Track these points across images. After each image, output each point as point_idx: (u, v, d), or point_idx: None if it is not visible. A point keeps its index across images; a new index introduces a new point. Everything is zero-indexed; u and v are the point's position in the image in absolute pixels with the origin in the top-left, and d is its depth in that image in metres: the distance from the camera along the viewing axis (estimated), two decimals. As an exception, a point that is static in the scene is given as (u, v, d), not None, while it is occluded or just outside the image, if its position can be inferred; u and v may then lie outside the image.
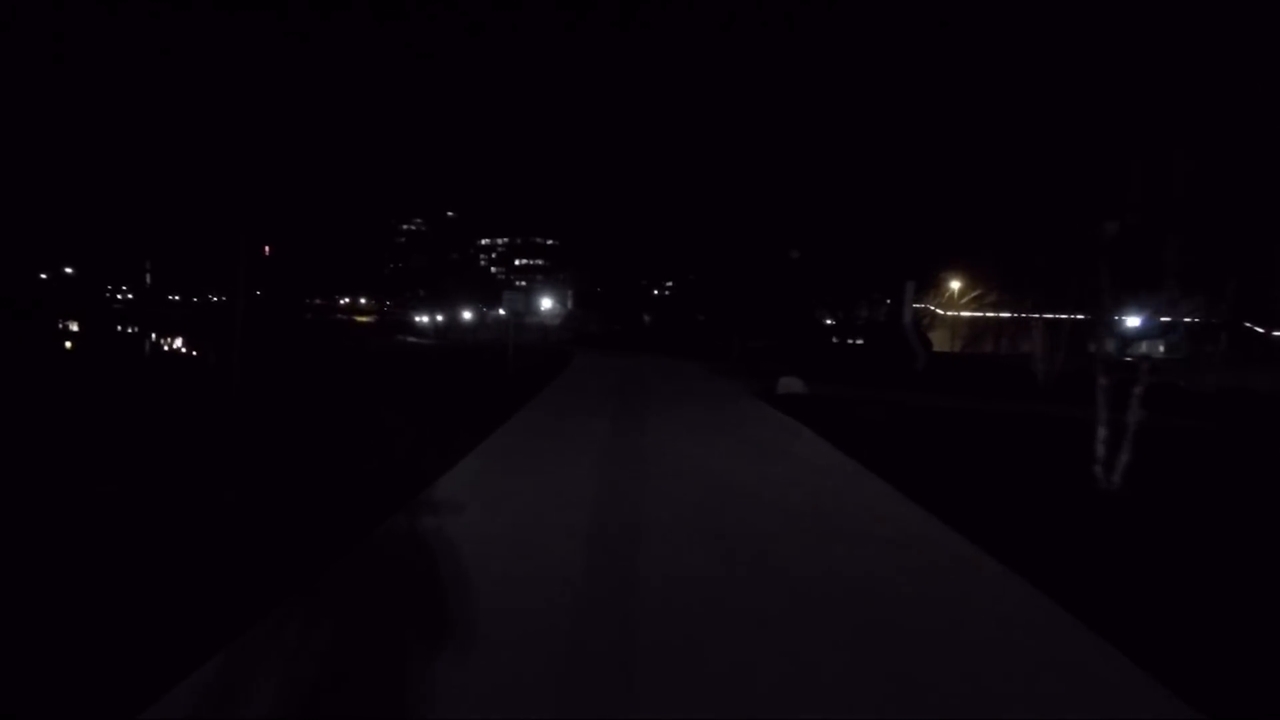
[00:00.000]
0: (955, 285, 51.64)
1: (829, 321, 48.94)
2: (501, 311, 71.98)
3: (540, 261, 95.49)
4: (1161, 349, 56.09)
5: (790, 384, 14.70)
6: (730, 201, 35.42)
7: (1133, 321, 40.00)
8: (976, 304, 50.10)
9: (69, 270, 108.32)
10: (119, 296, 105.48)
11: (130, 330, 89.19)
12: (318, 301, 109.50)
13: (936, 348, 47.57)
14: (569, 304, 66.98)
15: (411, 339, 70.44)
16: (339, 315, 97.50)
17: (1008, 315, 49.16)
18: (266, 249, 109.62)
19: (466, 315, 70.73)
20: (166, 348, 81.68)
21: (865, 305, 38.17)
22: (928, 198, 20.89)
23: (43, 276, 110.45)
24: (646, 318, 59.23)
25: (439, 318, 76.62)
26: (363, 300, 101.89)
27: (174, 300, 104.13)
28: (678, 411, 11.33)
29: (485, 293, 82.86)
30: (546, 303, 62.60)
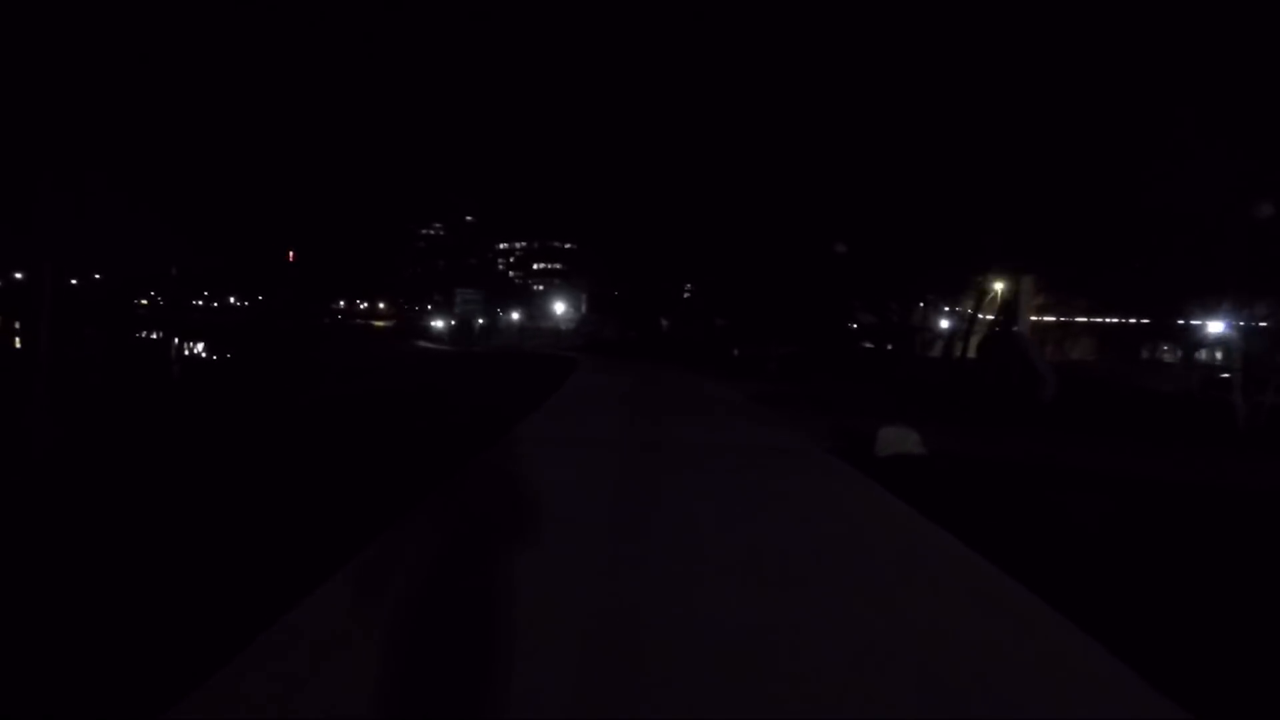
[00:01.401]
0: (998, 287, 44.97)
1: (855, 325, 42.43)
2: (515, 315, 66.18)
3: (558, 265, 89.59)
4: (1219, 355, 48.62)
5: (898, 439, 8.44)
6: (760, 189, 29.12)
7: (1215, 326, 31.66)
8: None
9: (98, 276, 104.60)
10: (142, 301, 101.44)
11: (155, 335, 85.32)
12: (341, 305, 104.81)
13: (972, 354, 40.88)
14: (582, 307, 60.93)
15: (424, 344, 65.36)
16: (358, 320, 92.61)
17: (1051, 319, 42.57)
18: (291, 254, 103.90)
19: (480, 320, 65.38)
20: (188, 352, 77.33)
21: (900, 307, 31.69)
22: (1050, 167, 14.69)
23: (73, 282, 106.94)
24: (665, 322, 53.04)
25: (453, 322, 71.53)
26: (381, 305, 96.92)
27: (196, 304, 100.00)
28: (729, 531, 5.18)
29: (503, 296, 77.44)
30: (559, 306, 56.90)
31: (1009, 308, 13.95)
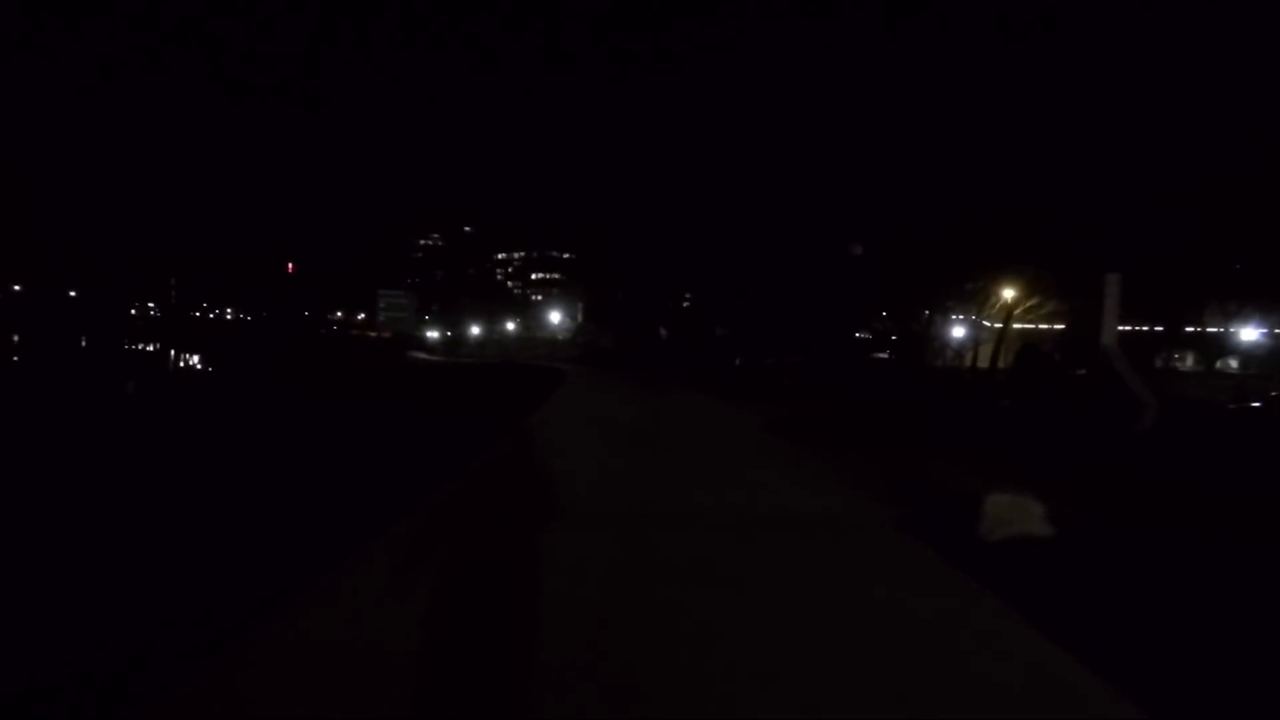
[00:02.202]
0: (1008, 294, 41.81)
1: (860, 335, 39.45)
2: (509, 325, 63.08)
3: (557, 275, 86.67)
4: (1234, 364, 45.72)
5: (1014, 514, 5.34)
6: (769, 190, 26.22)
7: (1248, 334, 28.07)
8: (1031, 315, 40.26)
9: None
10: (135, 312, 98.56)
11: (151, 347, 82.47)
12: (339, 315, 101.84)
13: (982, 363, 37.82)
14: (579, 317, 57.85)
15: (420, 355, 62.53)
16: (354, 330, 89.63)
17: (1062, 327, 39.49)
18: (290, 266, 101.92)
19: (475, 330, 62.46)
20: (183, 364, 74.12)
21: (925, 315, 28.73)
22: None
23: (72, 294, 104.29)
24: (664, 331, 50.05)
25: (448, 333, 68.70)
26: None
27: (195, 316, 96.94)
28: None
29: (501, 307, 74.59)
30: (555, 316, 53.90)
31: (1087, 314, 10.90)
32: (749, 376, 21.82)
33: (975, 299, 38.67)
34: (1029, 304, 38.70)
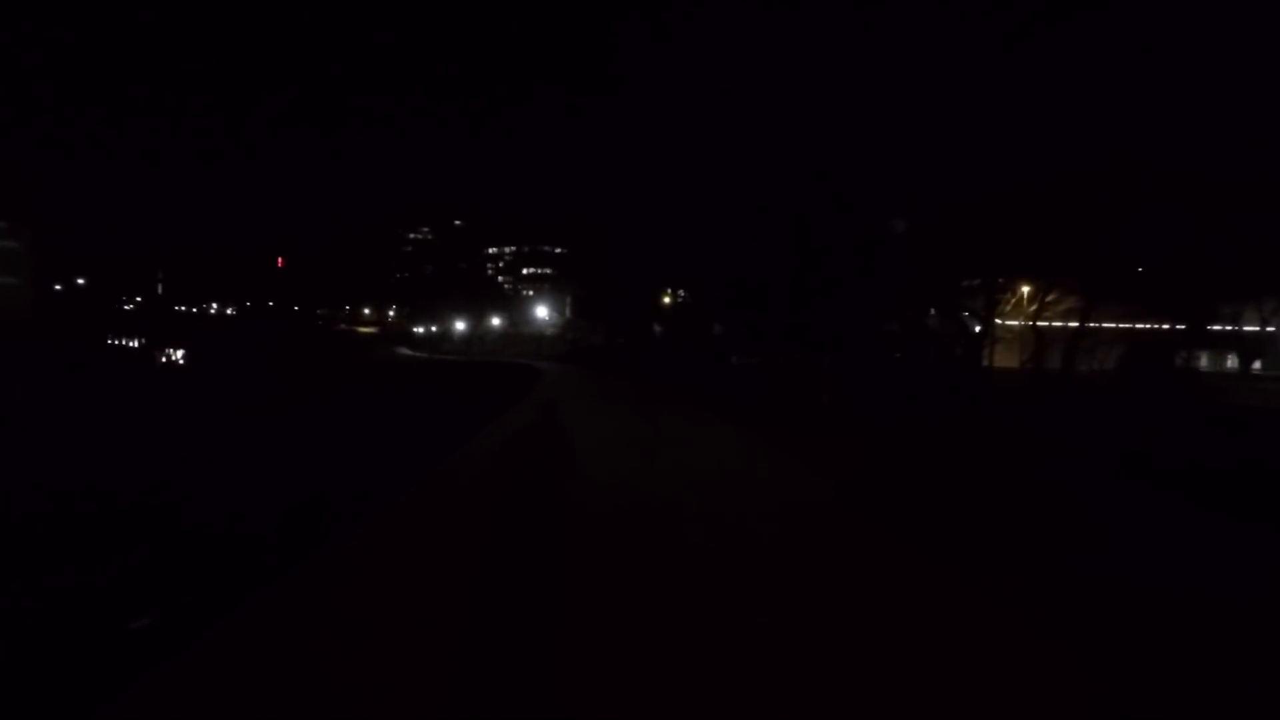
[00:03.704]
0: (1024, 290, 36.87)
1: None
2: (496, 321, 57.75)
3: (548, 270, 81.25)
4: (1232, 363, 41.37)
5: None
6: (786, 163, 21.23)
7: None
8: (1047, 312, 35.33)
9: (81, 281, 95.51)
10: (121, 307, 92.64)
11: (135, 343, 76.54)
12: (323, 311, 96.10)
13: (998, 363, 33.13)
14: (567, 312, 52.51)
15: (406, 351, 57.53)
16: (342, 325, 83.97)
17: (1075, 325, 34.63)
18: (280, 260, 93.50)
19: (460, 326, 56.95)
20: (165, 360, 67.78)
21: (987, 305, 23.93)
22: None
23: (57, 287, 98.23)
24: (658, 328, 44.95)
25: (434, 329, 63.24)
26: (366, 310, 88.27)
27: (180, 310, 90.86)
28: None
29: (489, 302, 69.22)
30: (542, 311, 48.65)
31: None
32: (776, 379, 16.77)
33: (1003, 294, 33.77)
34: (1043, 300, 33.79)
